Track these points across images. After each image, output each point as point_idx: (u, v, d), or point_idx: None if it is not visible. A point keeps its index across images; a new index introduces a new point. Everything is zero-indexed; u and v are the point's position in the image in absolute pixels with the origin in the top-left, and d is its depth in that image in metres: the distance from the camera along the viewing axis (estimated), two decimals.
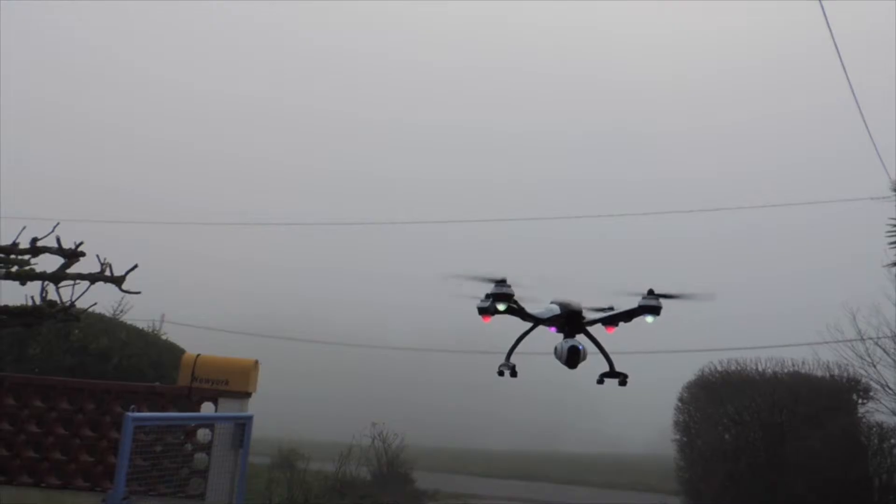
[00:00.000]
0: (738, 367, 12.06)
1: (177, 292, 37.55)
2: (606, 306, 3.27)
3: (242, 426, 7.31)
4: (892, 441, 10.91)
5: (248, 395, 8.46)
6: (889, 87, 24.66)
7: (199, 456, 8.14)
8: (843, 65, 10.66)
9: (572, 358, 3.05)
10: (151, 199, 58.30)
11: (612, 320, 3.21)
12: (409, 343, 39.09)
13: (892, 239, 11.21)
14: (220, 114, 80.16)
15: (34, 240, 6.90)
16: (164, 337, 14.76)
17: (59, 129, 72.88)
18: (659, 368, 22.53)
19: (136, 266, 7.04)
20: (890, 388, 11.97)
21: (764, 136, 75.18)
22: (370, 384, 40.93)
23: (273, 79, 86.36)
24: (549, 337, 3.21)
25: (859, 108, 12.24)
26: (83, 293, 6.88)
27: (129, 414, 5.72)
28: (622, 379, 3.25)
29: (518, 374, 3.31)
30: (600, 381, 3.28)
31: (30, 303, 6.71)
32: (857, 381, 11.70)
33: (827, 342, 13.36)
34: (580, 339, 3.15)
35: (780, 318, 30.62)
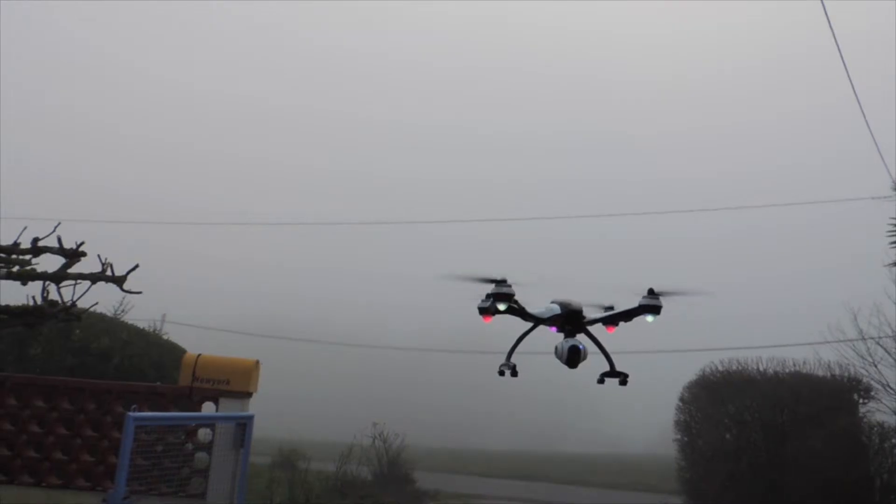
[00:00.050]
0: (739, 367, 12.05)
1: (177, 292, 37.58)
2: (606, 306, 3.28)
3: (243, 426, 7.32)
4: (894, 441, 10.91)
5: (248, 394, 8.47)
6: (889, 87, 24.67)
7: (200, 456, 8.15)
8: (844, 64, 10.64)
9: (573, 357, 3.05)
10: (151, 199, 58.44)
11: (612, 320, 3.21)
12: (409, 343, 39.11)
13: (893, 238, 11.21)
14: (220, 114, 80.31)
15: (35, 240, 6.90)
16: (165, 337, 14.76)
17: (59, 129, 73.01)
18: (659, 368, 22.56)
19: (137, 266, 7.03)
20: (891, 388, 11.95)
21: (764, 136, 75.26)
22: (370, 384, 40.97)
23: (273, 79, 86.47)
24: (550, 337, 3.22)
25: (860, 107, 12.23)
26: (84, 293, 6.87)
27: (131, 414, 5.73)
28: (623, 378, 3.25)
29: (518, 374, 3.31)
30: (601, 381, 3.28)
31: (31, 303, 6.71)
32: (859, 381, 11.69)
33: (828, 342, 13.36)
34: (580, 338, 3.15)
35: (780, 318, 30.65)
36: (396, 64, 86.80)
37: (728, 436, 11.58)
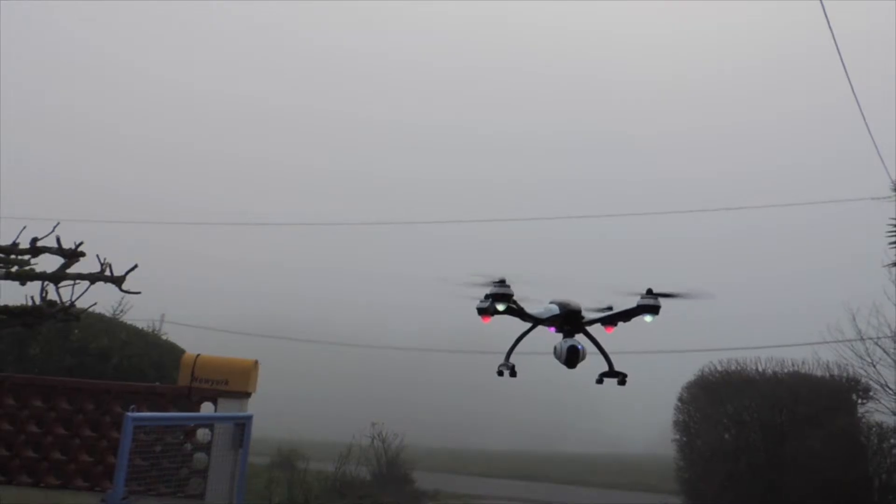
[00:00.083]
0: (738, 367, 12.06)
1: (177, 292, 37.56)
2: (605, 306, 3.28)
3: (242, 426, 7.32)
4: (892, 441, 10.91)
5: (247, 395, 8.47)
6: (889, 87, 24.67)
7: (199, 456, 8.14)
8: (843, 65, 10.64)
9: (571, 358, 3.05)
10: (151, 199, 58.43)
11: (611, 320, 3.21)
12: (409, 343, 39.10)
13: (893, 239, 11.20)
14: (220, 114, 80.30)
15: (34, 240, 6.89)
16: (164, 337, 14.76)
17: (59, 129, 72.99)
18: (659, 368, 22.56)
19: (136, 266, 7.02)
20: (890, 388, 11.95)
21: (764, 136, 75.30)
22: (370, 384, 40.96)
23: (273, 79, 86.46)
24: (549, 337, 3.21)
25: (860, 107, 12.23)
26: (83, 293, 6.86)
27: (129, 414, 5.73)
28: (621, 378, 3.25)
29: (518, 374, 3.31)
30: (600, 381, 3.28)
31: (30, 303, 6.70)
32: (857, 381, 11.70)
33: (827, 342, 13.35)
34: (579, 338, 3.15)
35: (780, 318, 30.65)
36: (396, 64, 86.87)
37: (727, 436, 11.59)
